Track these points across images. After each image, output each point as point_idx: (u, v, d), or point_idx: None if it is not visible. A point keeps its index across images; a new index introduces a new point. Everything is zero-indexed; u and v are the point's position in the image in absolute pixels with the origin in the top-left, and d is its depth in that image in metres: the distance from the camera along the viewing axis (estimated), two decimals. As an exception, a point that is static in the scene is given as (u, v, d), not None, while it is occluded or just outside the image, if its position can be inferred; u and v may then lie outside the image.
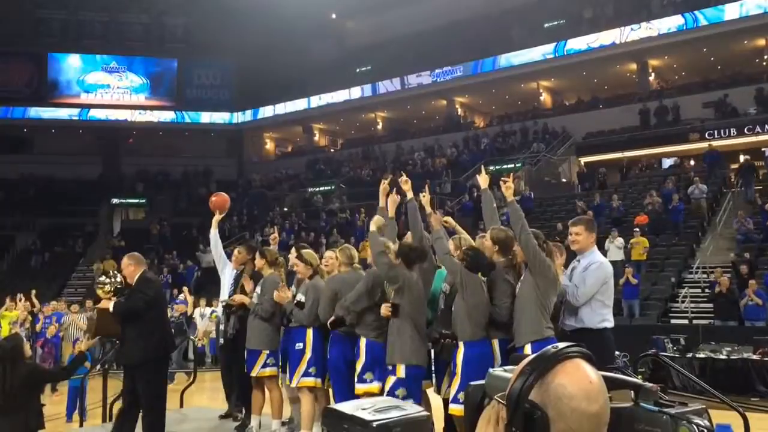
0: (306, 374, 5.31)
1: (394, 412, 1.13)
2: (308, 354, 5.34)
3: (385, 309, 4.74)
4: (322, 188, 27.99)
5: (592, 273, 4.82)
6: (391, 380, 4.62)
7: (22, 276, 24.29)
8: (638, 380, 1.18)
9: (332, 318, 5.08)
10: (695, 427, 1.08)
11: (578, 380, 1.10)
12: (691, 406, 1.16)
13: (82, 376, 8.69)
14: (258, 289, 5.90)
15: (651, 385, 1.16)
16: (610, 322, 4.85)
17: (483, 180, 5.09)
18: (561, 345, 1.16)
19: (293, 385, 5.40)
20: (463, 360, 4.41)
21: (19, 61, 31.93)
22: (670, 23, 23.56)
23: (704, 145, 20.63)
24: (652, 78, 26.27)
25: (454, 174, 24.41)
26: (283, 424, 6.06)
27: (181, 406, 8.74)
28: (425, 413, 1.16)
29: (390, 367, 4.66)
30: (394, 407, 1.14)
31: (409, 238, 5.27)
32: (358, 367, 4.87)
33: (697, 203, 17.18)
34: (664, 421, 1.10)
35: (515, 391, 1.11)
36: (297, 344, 5.40)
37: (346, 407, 1.16)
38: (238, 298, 5.96)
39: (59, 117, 32.28)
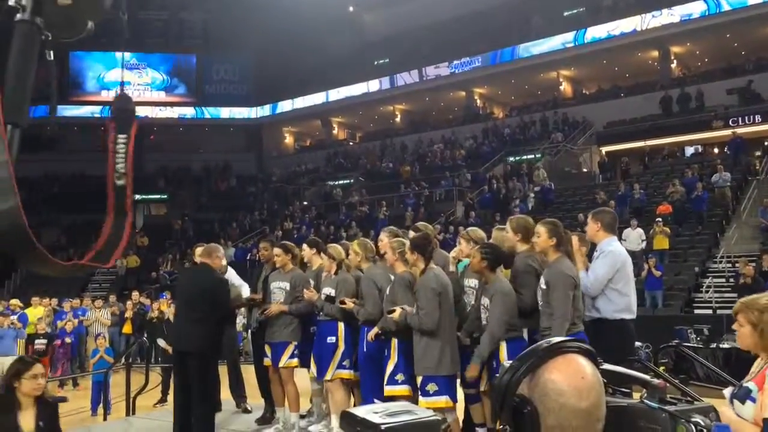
0: (341, 366, 5.34)
1: (405, 416, 1.13)
2: (341, 347, 5.36)
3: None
4: (341, 182, 28.04)
5: (599, 261, 4.80)
6: (420, 377, 4.64)
7: (47, 272, 24.69)
8: (646, 376, 1.17)
9: (375, 330, 4.98)
10: (693, 426, 1.06)
11: (569, 376, 1.10)
12: (697, 404, 1.14)
13: (106, 370, 8.83)
14: (285, 285, 5.85)
15: (658, 381, 1.14)
16: (629, 313, 4.76)
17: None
18: (555, 340, 1.15)
19: (328, 377, 5.37)
20: (507, 359, 4.43)
21: (40, 60, 32.29)
22: (693, 9, 23.16)
23: (728, 132, 20.30)
24: (674, 65, 25.88)
25: (474, 166, 24.31)
26: (302, 417, 6.09)
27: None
28: (436, 417, 1.16)
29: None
30: (405, 411, 1.15)
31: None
32: (390, 367, 4.79)
33: (721, 191, 16.92)
34: (664, 418, 1.09)
35: (502, 386, 1.11)
36: (329, 338, 5.40)
37: (360, 411, 1.17)
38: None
39: (81, 115, 32.65)
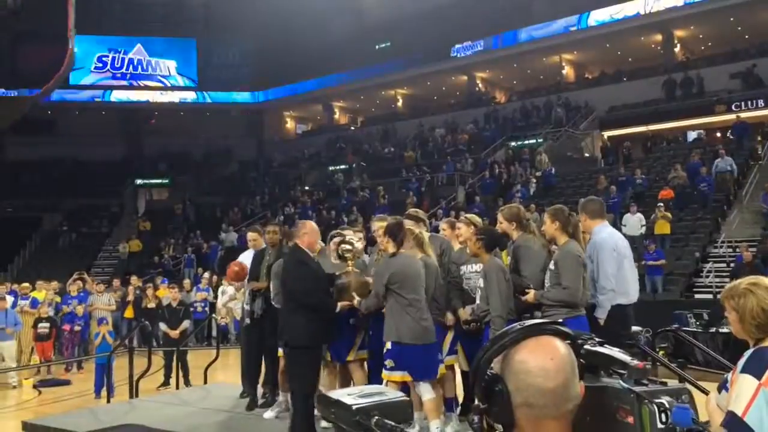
0: (361, 347, 5.40)
1: (377, 397, 1.20)
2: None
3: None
4: (342, 166, 28.03)
5: (603, 257, 4.75)
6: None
7: (49, 257, 24.81)
8: (626, 358, 1.22)
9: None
10: (656, 407, 1.11)
11: (538, 357, 1.15)
12: (670, 386, 1.19)
13: (108, 354, 8.91)
14: None
15: (637, 362, 1.19)
16: (623, 298, 4.82)
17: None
18: (529, 322, 1.20)
19: (351, 358, 5.38)
20: None
21: (40, 44, 32.21)
22: (696, -8, 23.00)
23: (730, 116, 20.25)
24: (677, 49, 25.74)
25: (476, 150, 24.29)
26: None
27: (205, 382, 8.94)
28: (406, 398, 1.23)
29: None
30: (377, 393, 1.21)
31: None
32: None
33: (723, 176, 16.90)
34: (631, 398, 1.15)
35: (474, 365, 1.17)
36: (350, 320, 5.39)
37: (335, 393, 1.24)
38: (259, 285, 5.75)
39: (82, 99, 32.62)
